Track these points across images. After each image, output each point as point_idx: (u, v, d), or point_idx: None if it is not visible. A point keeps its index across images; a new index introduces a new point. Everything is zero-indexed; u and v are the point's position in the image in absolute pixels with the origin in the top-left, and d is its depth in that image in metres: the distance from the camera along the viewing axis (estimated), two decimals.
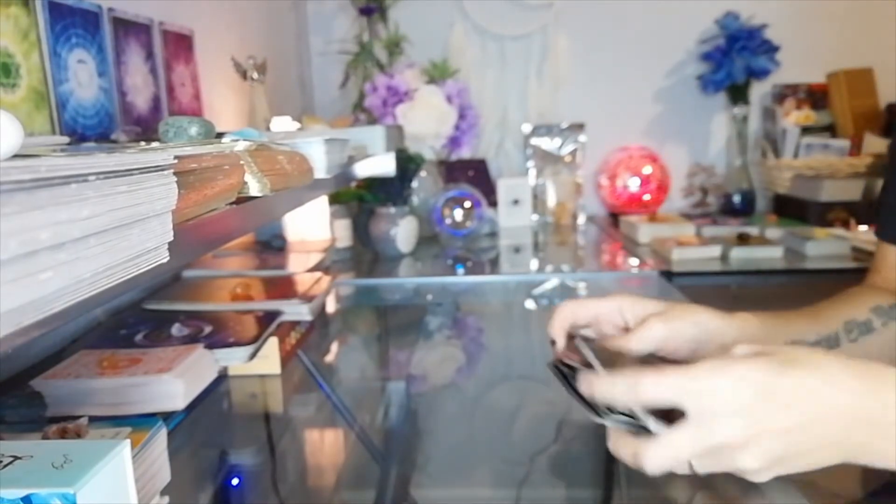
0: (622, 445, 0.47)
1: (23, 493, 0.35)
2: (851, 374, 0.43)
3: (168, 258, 0.37)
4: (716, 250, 1.45)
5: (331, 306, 1.27)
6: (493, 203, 1.85)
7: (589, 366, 0.52)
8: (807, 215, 1.74)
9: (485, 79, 2.05)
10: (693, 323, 0.57)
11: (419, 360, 1.07)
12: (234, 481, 0.73)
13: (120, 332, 0.83)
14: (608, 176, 2.03)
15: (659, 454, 0.44)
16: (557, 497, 0.68)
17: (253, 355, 0.80)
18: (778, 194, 1.92)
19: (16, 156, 0.29)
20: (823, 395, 0.42)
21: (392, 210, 1.53)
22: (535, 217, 1.95)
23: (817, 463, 0.44)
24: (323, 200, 1.43)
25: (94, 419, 0.55)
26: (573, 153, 2.02)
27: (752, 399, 0.42)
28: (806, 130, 1.86)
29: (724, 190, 2.02)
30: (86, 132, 0.92)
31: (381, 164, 1.10)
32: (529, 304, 1.34)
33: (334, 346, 1.16)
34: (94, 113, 0.94)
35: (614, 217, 1.98)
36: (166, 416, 0.62)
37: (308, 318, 0.96)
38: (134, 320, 0.88)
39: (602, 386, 0.46)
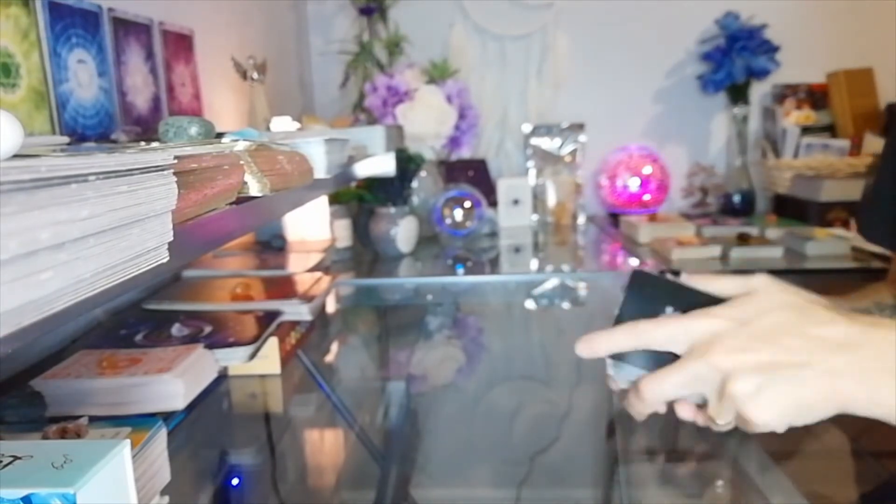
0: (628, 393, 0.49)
1: (23, 493, 0.35)
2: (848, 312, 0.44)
3: (168, 258, 0.37)
4: (716, 250, 1.45)
5: (331, 306, 1.27)
6: (493, 203, 1.85)
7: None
8: (807, 215, 1.74)
9: (485, 79, 2.05)
10: None
11: (419, 360, 1.07)
12: (234, 481, 0.73)
13: (120, 332, 0.83)
14: (608, 176, 2.02)
15: (652, 383, 0.46)
16: (557, 497, 0.68)
17: (253, 355, 0.80)
18: (778, 194, 1.92)
19: (16, 156, 0.29)
20: (809, 319, 0.43)
21: (392, 210, 1.53)
22: (535, 217, 1.94)
23: (812, 394, 0.42)
24: (323, 200, 1.43)
25: (94, 419, 0.55)
26: (573, 153, 2.02)
27: (731, 324, 0.44)
28: (806, 130, 1.86)
29: (724, 190, 2.02)
30: (86, 132, 0.92)
31: (381, 164, 1.10)
32: (529, 304, 1.34)
33: (334, 346, 1.16)
34: (94, 113, 0.94)
35: (614, 217, 1.98)
36: (166, 416, 0.62)
37: (308, 318, 0.96)
38: (134, 320, 0.88)
39: (602, 338, 0.48)
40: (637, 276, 0.51)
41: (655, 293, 0.50)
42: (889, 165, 0.71)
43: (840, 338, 0.42)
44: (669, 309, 0.49)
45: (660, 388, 0.45)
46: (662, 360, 0.47)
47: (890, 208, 0.69)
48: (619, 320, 0.50)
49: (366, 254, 1.58)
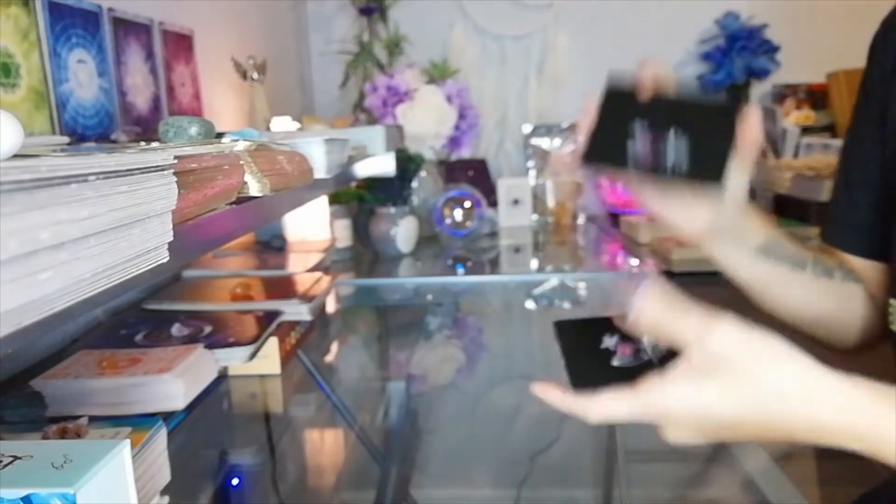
0: (567, 402, 0.47)
1: (23, 493, 0.35)
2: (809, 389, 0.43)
3: (168, 258, 0.37)
4: None
5: (331, 306, 1.27)
6: (493, 203, 1.85)
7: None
8: (807, 215, 1.74)
9: (485, 79, 2.05)
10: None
11: (419, 360, 1.07)
12: (234, 481, 0.73)
13: (120, 332, 0.83)
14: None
15: (599, 411, 0.45)
16: (557, 497, 0.68)
17: (253, 355, 0.80)
18: (778, 194, 1.92)
19: (16, 156, 0.29)
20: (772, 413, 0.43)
21: (392, 210, 1.53)
22: (535, 217, 1.94)
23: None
24: (323, 200, 1.43)
25: (94, 419, 0.55)
26: (573, 153, 2.01)
27: (702, 421, 0.44)
28: (806, 130, 1.86)
29: None
30: (86, 132, 0.92)
31: (381, 164, 1.10)
32: (529, 304, 1.34)
33: (334, 346, 1.16)
34: (94, 113, 0.94)
35: (614, 217, 1.98)
36: (166, 416, 0.62)
37: (308, 318, 0.96)
38: (134, 320, 0.88)
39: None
40: (610, 90, 0.53)
41: (630, 105, 0.51)
42: (843, 170, 0.71)
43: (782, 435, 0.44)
44: (640, 121, 0.50)
45: (605, 416, 0.45)
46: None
47: (848, 213, 0.69)
48: (596, 127, 0.51)
49: (366, 254, 1.58)
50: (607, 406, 0.45)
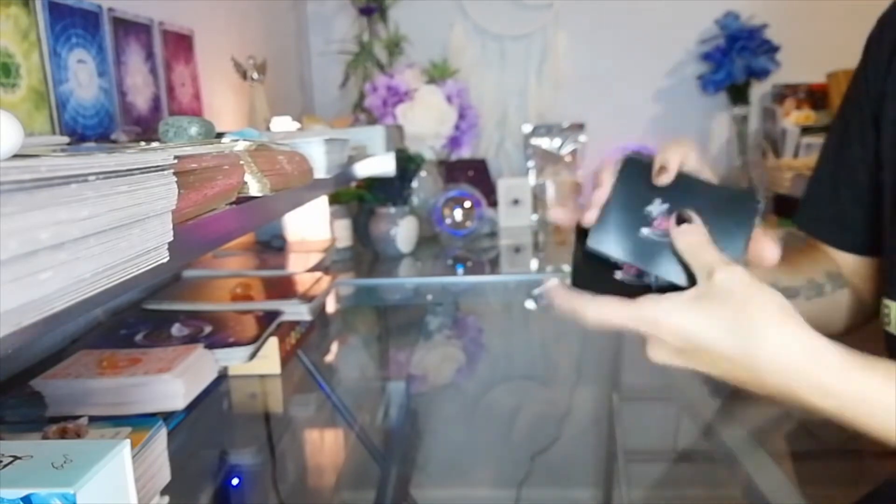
0: (568, 298, 0.50)
1: (23, 493, 0.35)
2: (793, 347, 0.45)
3: (168, 258, 0.37)
4: None
5: (331, 306, 1.27)
6: (493, 203, 1.85)
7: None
8: None
9: (485, 79, 2.05)
10: None
11: (419, 360, 1.07)
12: (234, 481, 0.73)
13: (120, 332, 0.83)
14: None
15: (597, 312, 0.49)
16: (557, 497, 0.68)
17: (253, 355, 0.80)
18: (778, 194, 1.92)
19: (16, 156, 0.29)
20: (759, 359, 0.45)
21: (392, 210, 1.53)
22: (535, 217, 1.94)
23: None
24: (323, 200, 1.43)
25: (94, 419, 0.55)
26: (573, 153, 2.02)
27: (685, 342, 0.47)
28: (806, 130, 1.86)
29: None
30: (86, 132, 0.92)
31: (381, 164, 1.10)
32: (529, 304, 1.34)
33: (334, 346, 1.16)
34: (94, 113, 0.94)
35: None
36: (166, 416, 0.62)
37: (308, 318, 0.96)
38: (134, 320, 0.88)
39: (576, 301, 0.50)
40: (629, 163, 0.53)
41: (647, 183, 0.51)
42: (828, 163, 0.71)
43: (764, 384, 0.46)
44: (658, 200, 0.51)
45: (600, 320, 0.48)
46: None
47: (832, 207, 0.69)
48: (608, 206, 0.51)
49: (366, 254, 1.58)
50: (605, 309, 0.48)
